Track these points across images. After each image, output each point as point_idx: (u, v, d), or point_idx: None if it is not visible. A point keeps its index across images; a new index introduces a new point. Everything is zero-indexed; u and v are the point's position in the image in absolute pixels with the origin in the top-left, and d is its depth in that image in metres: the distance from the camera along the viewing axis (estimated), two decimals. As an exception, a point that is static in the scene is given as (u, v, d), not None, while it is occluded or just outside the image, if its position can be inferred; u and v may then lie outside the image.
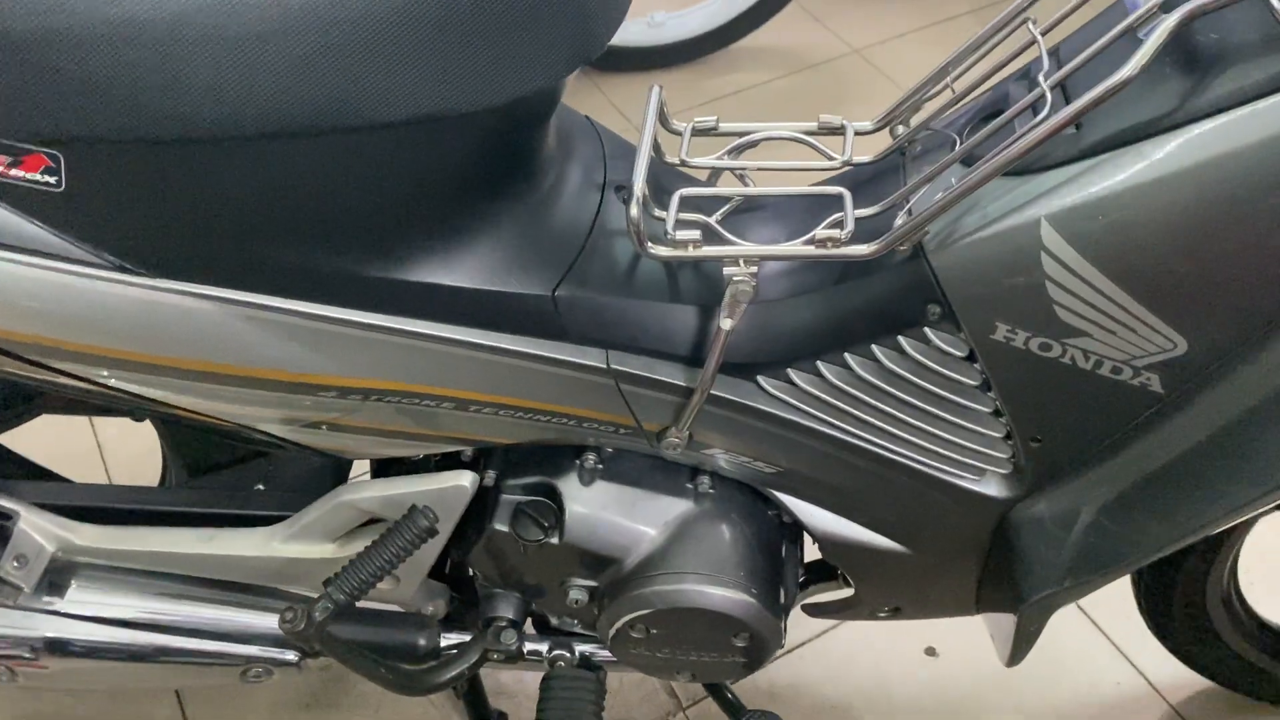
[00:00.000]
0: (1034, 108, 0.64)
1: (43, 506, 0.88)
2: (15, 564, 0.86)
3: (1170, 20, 0.58)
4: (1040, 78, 0.65)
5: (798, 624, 1.03)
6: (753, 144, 0.77)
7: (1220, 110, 0.61)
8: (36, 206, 0.63)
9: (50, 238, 0.65)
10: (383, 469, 0.91)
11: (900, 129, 0.78)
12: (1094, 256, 0.66)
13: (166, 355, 0.70)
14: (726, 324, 0.71)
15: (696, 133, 0.77)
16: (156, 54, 0.57)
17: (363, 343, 0.72)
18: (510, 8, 0.61)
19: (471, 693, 1.09)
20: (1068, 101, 0.63)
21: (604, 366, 0.75)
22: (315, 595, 0.84)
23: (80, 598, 0.90)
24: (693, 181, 0.78)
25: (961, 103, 0.76)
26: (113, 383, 0.72)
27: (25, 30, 0.56)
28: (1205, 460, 0.75)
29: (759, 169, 0.78)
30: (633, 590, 0.84)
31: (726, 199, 0.75)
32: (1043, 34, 0.69)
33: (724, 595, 0.83)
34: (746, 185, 0.78)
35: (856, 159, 0.76)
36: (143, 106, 0.58)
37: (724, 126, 0.78)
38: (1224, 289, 0.67)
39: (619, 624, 0.86)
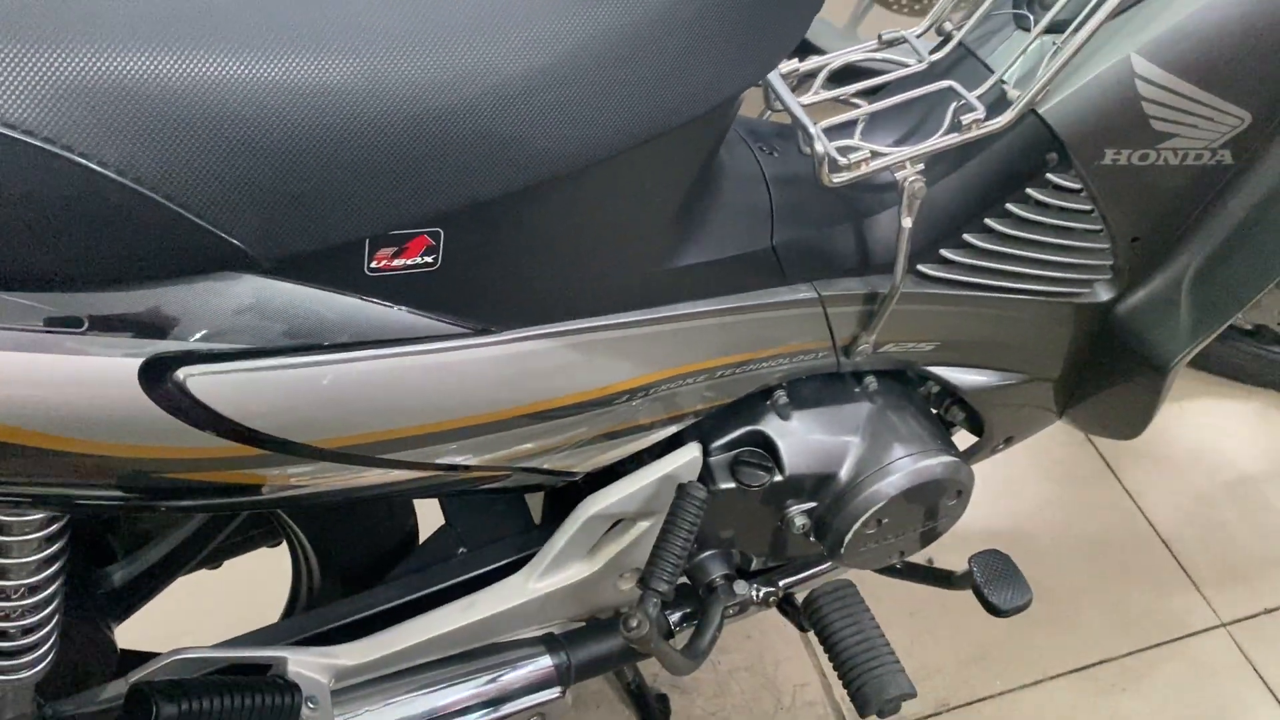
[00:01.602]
0: None
1: (299, 643, 0.89)
2: (310, 708, 0.86)
3: None
4: None
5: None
6: (835, 71, 0.87)
7: None
8: (409, 292, 0.64)
9: (419, 320, 0.65)
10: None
11: (948, 25, 0.89)
12: (1178, 69, 0.81)
13: (511, 406, 0.73)
14: (907, 222, 0.81)
15: (784, 74, 0.87)
16: (528, 104, 0.59)
17: (651, 338, 0.78)
18: None
19: (636, 679, 1.14)
20: None
21: (814, 296, 0.85)
22: (550, 631, 0.90)
23: (371, 717, 0.90)
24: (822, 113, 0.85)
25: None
26: (441, 460, 0.74)
27: (422, 110, 0.56)
28: (1276, 207, 0.91)
29: (862, 89, 0.87)
30: (859, 494, 0.93)
31: (855, 121, 0.83)
32: None
33: (935, 462, 0.94)
34: (860, 103, 0.85)
35: (931, 58, 0.87)
36: (520, 159, 0.60)
37: (802, 67, 0.88)
38: (1272, 70, 0.83)
39: (855, 527, 0.94)
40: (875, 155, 0.79)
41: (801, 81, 0.88)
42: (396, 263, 0.62)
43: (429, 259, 0.63)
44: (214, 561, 1.03)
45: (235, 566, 1.03)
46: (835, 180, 0.79)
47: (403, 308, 0.64)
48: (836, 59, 0.88)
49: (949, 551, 1.20)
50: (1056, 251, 0.91)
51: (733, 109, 0.76)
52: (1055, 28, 0.81)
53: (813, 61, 0.88)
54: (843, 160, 0.78)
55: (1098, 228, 0.90)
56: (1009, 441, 1.12)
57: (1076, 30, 0.78)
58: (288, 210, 0.54)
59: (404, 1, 0.58)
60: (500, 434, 0.74)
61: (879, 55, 0.89)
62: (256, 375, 0.60)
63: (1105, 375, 1.04)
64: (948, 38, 0.89)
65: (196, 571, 1.01)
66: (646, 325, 0.78)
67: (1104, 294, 0.97)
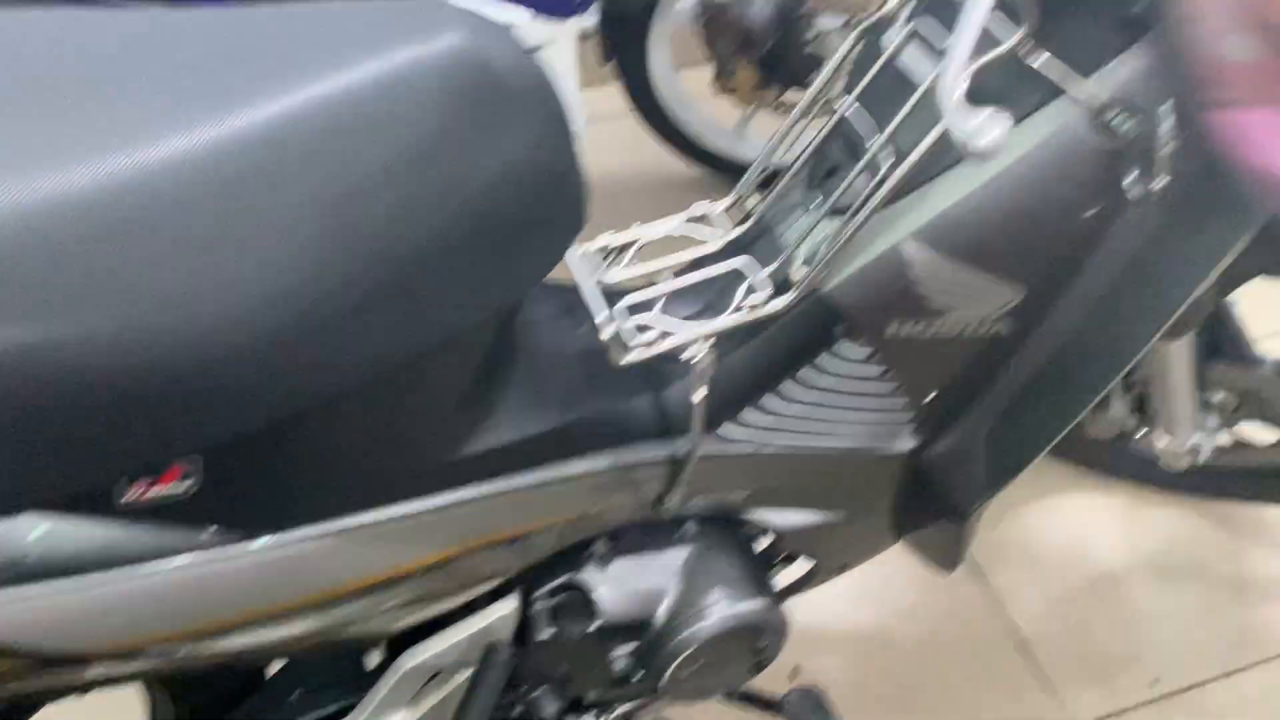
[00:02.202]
0: (874, 165, 0.83)
1: None
2: None
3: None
4: (867, 144, 0.84)
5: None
6: (641, 246, 0.93)
7: None
8: (169, 515, 0.65)
9: (180, 537, 0.67)
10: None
11: (751, 200, 0.95)
12: (949, 252, 0.86)
13: (293, 599, 0.76)
14: (698, 395, 0.86)
15: (597, 251, 0.93)
16: (281, 342, 0.60)
17: (438, 522, 0.82)
18: (507, 211, 0.69)
19: None
20: (897, 150, 0.82)
21: (613, 464, 0.89)
22: None
23: None
24: (624, 291, 0.90)
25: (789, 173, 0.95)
26: (220, 647, 0.76)
27: (166, 358, 0.57)
28: (1060, 368, 0.97)
29: (666, 266, 0.93)
30: (674, 637, 0.97)
31: (656, 298, 0.88)
32: (855, 101, 0.88)
33: (746, 607, 0.98)
34: (660, 281, 0.91)
35: (730, 235, 0.94)
36: (279, 393, 0.62)
37: (610, 242, 0.93)
38: (1037, 247, 0.88)
39: (672, 669, 0.98)
40: (665, 335, 0.84)
41: (617, 254, 0.94)
42: (153, 493, 0.64)
43: (189, 482, 0.65)
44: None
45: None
46: (625, 360, 0.84)
47: (163, 528, 0.67)
48: (648, 233, 0.94)
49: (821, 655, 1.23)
50: (854, 410, 0.96)
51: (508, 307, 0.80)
52: (839, 210, 0.87)
53: (625, 235, 0.94)
54: (633, 341, 0.84)
55: (892, 388, 0.96)
56: (844, 567, 1.17)
57: (854, 215, 0.84)
58: (26, 459, 0.56)
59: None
60: (286, 621, 0.78)
61: (688, 230, 0.95)
62: (11, 604, 0.63)
63: (917, 516, 1.10)
64: (749, 215, 0.95)
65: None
66: (431, 513, 0.81)
67: (908, 444, 1.02)
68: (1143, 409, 1.38)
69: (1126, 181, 0.81)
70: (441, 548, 0.84)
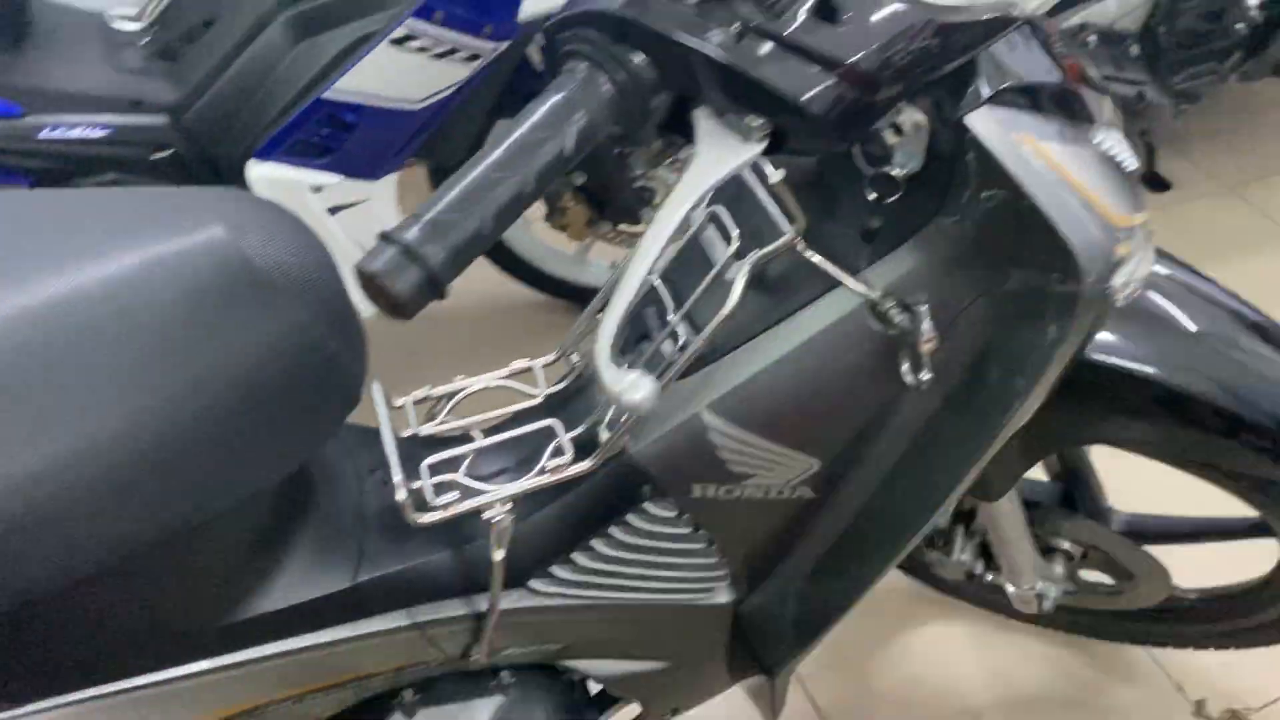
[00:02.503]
0: (674, 334, 0.86)
1: None
2: None
3: (747, 264, 0.79)
4: (670, 314, 0.86)
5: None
6: (464, 397, 0.93)
7: (782, 317, 0.86)
8: None
9: None
10: None
11: (575, 356, 0.96)
12: (744, 423, 0.88)
13: None
14: (498, 555, 0.85)
15: (417, 402, 0.93)
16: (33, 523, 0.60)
17: (219, 683, 0.80)
18: (269, 397, 0.70)
19: None
20: (694, 325, 0.85)
21: (409, 624, 0.87)
22: None
23: None
24: (436, 445, 0.91)
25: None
26: None
27: None
28: (860, 535, 1.00)
29: (482, 420, 0.93)
30: None
31: (464, 455, 0.87)
32: (663, 280, 0.90)
33: None
34: (473, 437, 0.91)
35: (549, 390, 0.94)
36: (17, 580, 0.61)
37: (435, 391, 0.93)
38: (828, 423, 0.91)
39: None
40: (466, 495, 0.83)
41: (437, 404, 0.93)
42: None
43: None
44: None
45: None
46: (422, 520, 0.82)
47: None
48: (470, 386, 0.94)
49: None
50: (668, 566, 0.97)
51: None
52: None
53: (446, 387, 0.94)
54: (433, 501, 0.83)
55: (705, 545, 0.97)
56: (675, 711, 1.17)
57: (658, 381, 0.84)
58: None
59: None
60: None
61: (509, 383, 0.95)
62: None
63: (742, 664, 1.11)
64: (571, 370, 0.96)
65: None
66: (211, 674, 0.79)
67: (726, 596, 1.03)
68: (987, 554, 1.41)
69: (903, 369, 0.85)
70: (229, 705, 0.82)
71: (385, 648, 0.88)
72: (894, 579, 1.66)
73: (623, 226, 1.93)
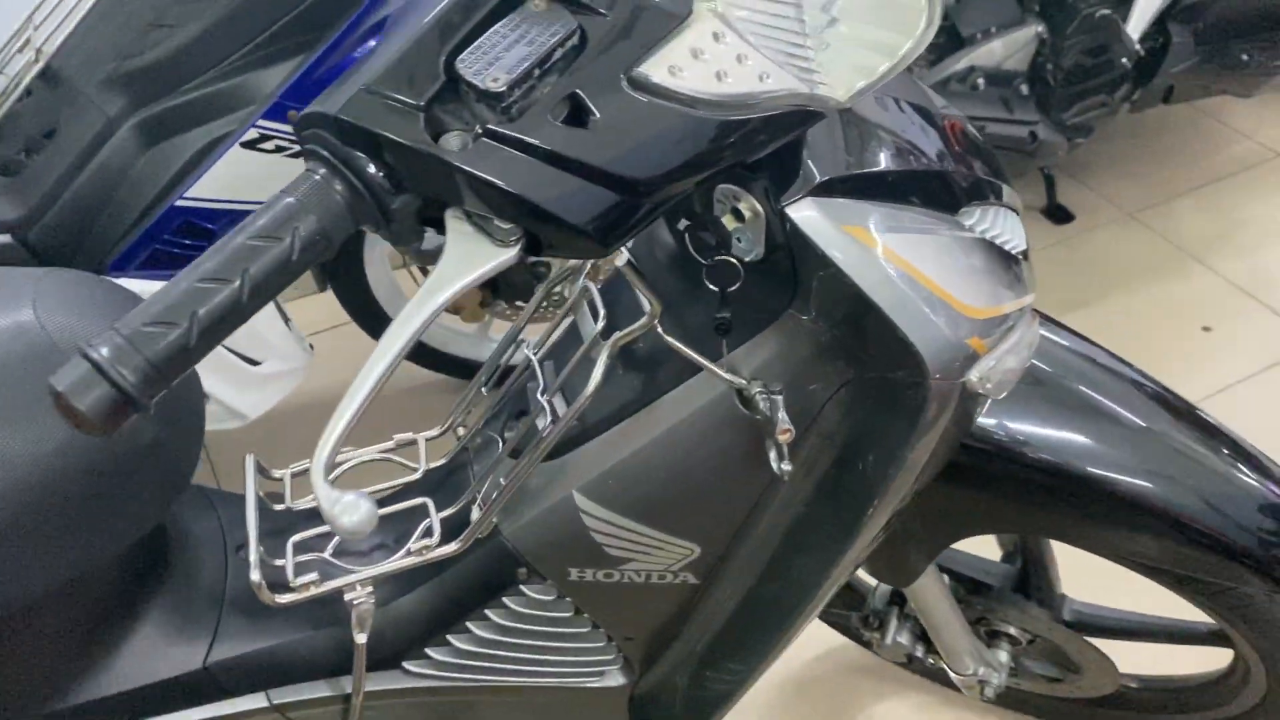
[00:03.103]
0: (546, 412, 0.82)
1: None
2: None
3: (607, 346, 0.78)
4: (539, 394, 0.85)
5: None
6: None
7: (649, 400, 0.83)
8: None
9: None
10: None
11: (460, 430, 0.93)
12: (617, 507, 0.85)
13: None
14: (360, 638, 0.83)
15: (295, 475, 0.89)
16: None
17: None
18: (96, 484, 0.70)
19: None
20: (567, 404, 0.81)
21: (267, 705, 0.85)
22: None
23: None
24: (309, 519, 0.89)
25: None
26: None
27: None
28: (747, 619, 0.97)
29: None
30: None
31: (333, 534, 0.84)
32: (536, 357, 0.88)
33: None
34: None
35: (430, 466, 0.92)
36: None
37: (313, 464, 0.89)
38: (703, 506, 0.88)
39: None
40: (327, 576, 0.81)
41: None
42: None
43: None
44: None
45: None
46: (280, 601, 0.80)
47: None
48: (351, 460, 0.91)
49: None
50: (551, 650, 0.94)
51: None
52: (516, 454, 0.86)
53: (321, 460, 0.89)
54: (292, 580, 0.80)
55: (588, 628, 0.95)
56: None
57: (520, 464, 0.82)
58: None
59: None
60: None
61: (391, 456, 0.93)
62: None
63: None
64: (458, 441, 0.94)
65: None
66: None
67: (618, 679, 1.01)
68: (926, 637, 1.36)
69: (771, 456, 0.81)
70: None
71: None
72: (845, 648, 1.65)
73: (519, 303, 1.87)
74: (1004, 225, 0.82)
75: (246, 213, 1.35)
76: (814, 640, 1.65)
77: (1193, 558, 0.99)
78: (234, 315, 0.57)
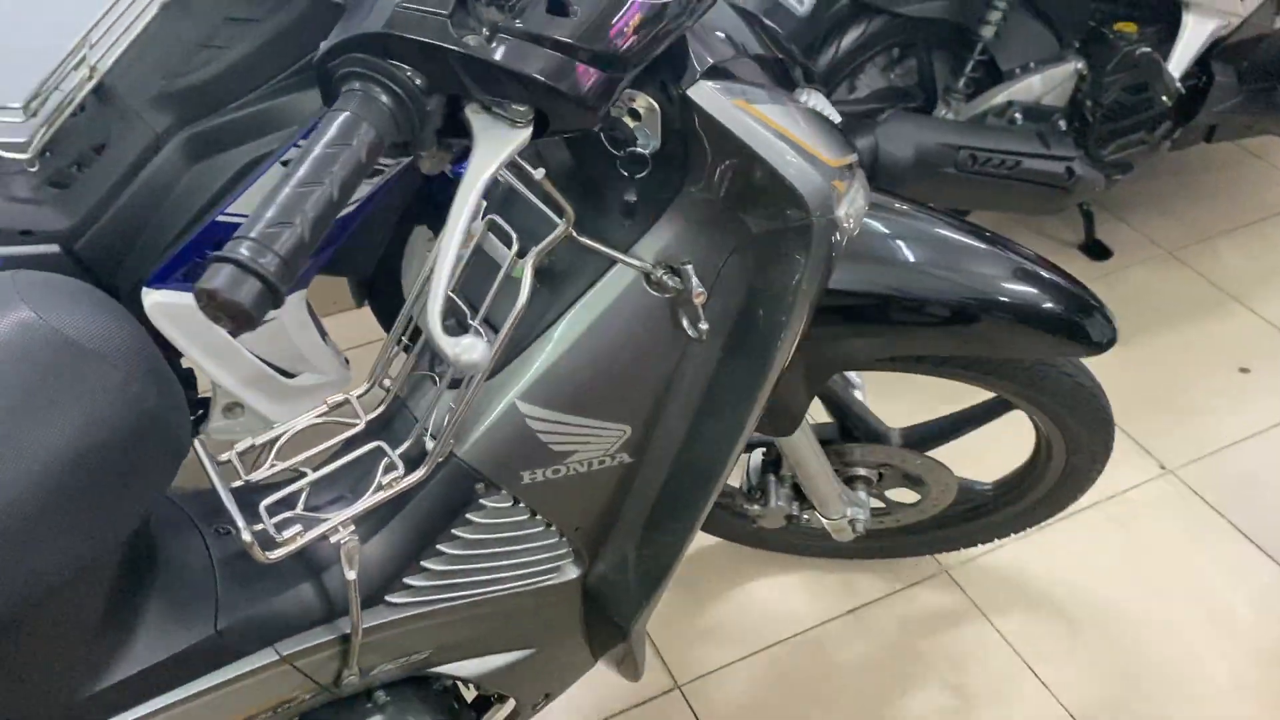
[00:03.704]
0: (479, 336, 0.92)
1: None
2: None
3: (530, 259, 0.89)
4: (469, 319, 0.95)
5: None
6: (287, 440, 0.98)
7: (570, 303, 0.94)
8: None
9: None
10: None
11: (386, 382, 1.02)
12: (555, 405, 0.96)
13: None
14: (351, 575, 0.90)
15: (241, 453, 0.96)
16: None
17: None
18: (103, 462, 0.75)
19: None
20: (492, 327, 0.93)
21: (277, 659, 0.91)
22: None
23: None
24: (269, 489, 0.95)
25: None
26: None
27: None
28: (677, 485, 1.08)
29: (309, 457, 0.98)
30: None
31: (298, 492, 0.92)
32: (456, 294, 0.97)
33: None
34: (304, 473, 0.95)
35: (370, 416, 1.00)
36: None
37: (258, 440, 0.97)
38: (629, 390, 0.99)
39: None
40: (308, 526, 0.88)
41: (262, 452, 0.97)
42: None
43: None
44: None
45: None
46: (272, 557, 0.86)
47: None
48: (291, 428, 0.98)
49: None
50: (513, 555, 1.03)
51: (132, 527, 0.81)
52: (456, 383, 0.95)
53: (267, 434, 0.97)
54: (278, 537, 0.87)
55: (542, 527, 1.03)
56: (548, 697, 1.23)
57: (465, 387, 0.90)
58: None
59: None
60: None
61: (329, 418, 1.00)
62: None
63: (601, 636, 1.18)
64: (385, 394, 1.01)
65: None
66: None
67: (572, 572, 1.10)
68: (800, 496, 1.56)
69: (684, 325, 0.97)
70: None
71: (257, 688, 0.92)
72: (720, 549, 1.91)
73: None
74: (820, 103, 1.01)
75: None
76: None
77: (982, 336, 1.20)
78: (329, 210, 0.69)
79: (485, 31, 0.74)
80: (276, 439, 0.97)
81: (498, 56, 0.73)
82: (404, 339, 1.01)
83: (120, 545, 0.81)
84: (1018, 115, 2.11)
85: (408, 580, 0.98)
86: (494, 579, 1.03)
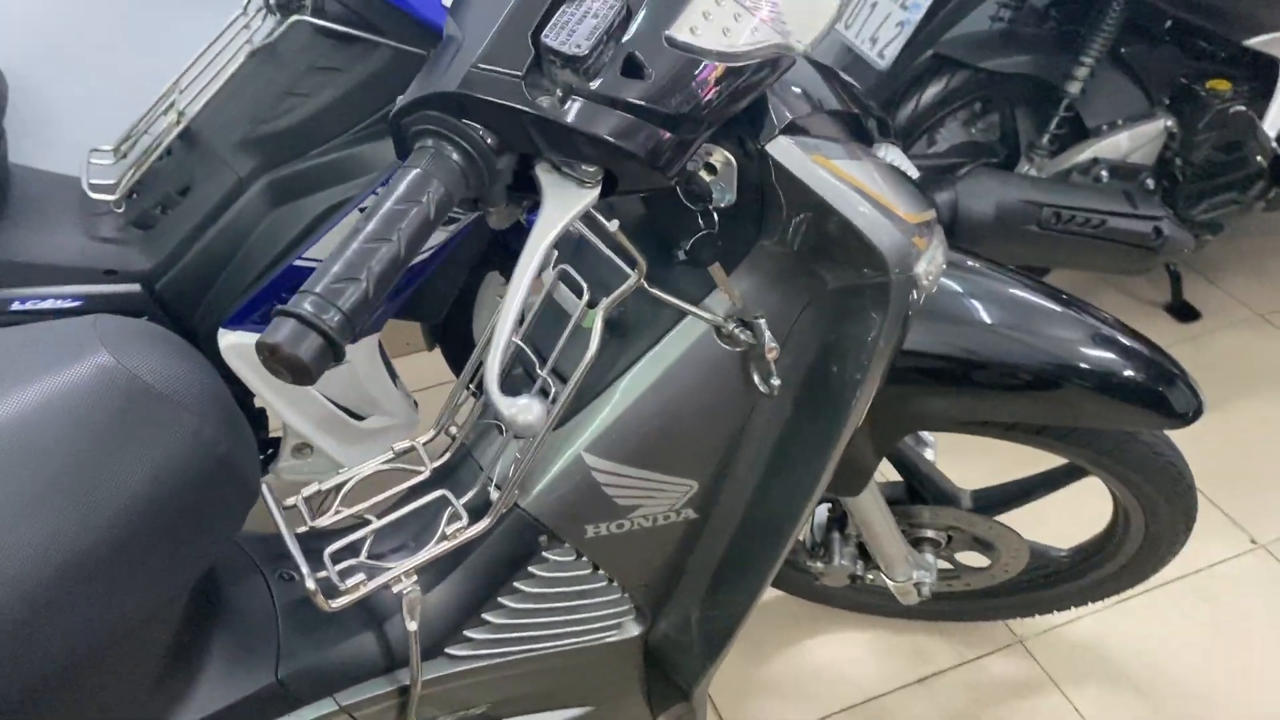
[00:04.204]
0: (544, 388, 0.91)
1: None
2: None
3: (600, 310, 0.86)
4: (538, 370, 0.93)
5: None
6: (353, 486, 0.97)
7: (639, 355, 0.93)
8: None
9: None
10: None
11: (453, 429, 1.01)
12: (622, 458, 0.94)
13: None
14: (412, 626, 0.89)
15: (307, 498, 0.96)
16: None
17: None
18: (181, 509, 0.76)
19: None
20: (562, 378, 0.92)
21: (336, 709, 0.91)
22: None
23: None
24: (334, 535, 0.96)
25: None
26: None
27: None
28: (743, 543, 1.05)
29: (374, 504, 0.97)
30: None
31: (362, 539, 0.92)
32: (525, 343, 0.96)
33: None
34: (369, 521, 0.94)
35: (435, 464, 0.99)
36: None
37: (324, 485, 0.97)
38: (696, 444, 0.97)
39: None
40: (371, 574, 0.87)
41: (327, 498, 0.97)
42: None
43: None
44: None
45: None
46: (335, 605, 0.86)
47: None
48: (357, 474, 0.98)
49: None
50: (574, 610, 1.01)
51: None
52: (519, 434, 0.93)
53: (333, 480, 0.97)
54: (341, 585, 0.87)
55: (604, 582, 1.02)
56: None
57: (533, 439, 0.89)
58: None
59: None
60: None
61: (395, 465, 0.99)
62: None
63: (661, 695, 1.15)
64: (451, 441, 1.01)
65: None
66: None
67: (634, 629, 1.08)
68: (865, 555, 1.52)
69: (755, 380, 0.95)
70: None
71: None
72: (783, 603, 1.84)
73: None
74: (897, 158, 0.99)
75: (360, 274, 1.42)
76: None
77: (1059, 403, 1.15)
78: (395, 266, 0.69)
79: (559, 92, 0.73)
80: (343, 485, 0.97)
81: (570, 118, 0.72)
82: (471, 386, 1.00)
83: (187, 589, 0.82)
84: (1104, 173, 2.06)
85: (468, 633, 0.97)
86: (554, 634, 1.01)
